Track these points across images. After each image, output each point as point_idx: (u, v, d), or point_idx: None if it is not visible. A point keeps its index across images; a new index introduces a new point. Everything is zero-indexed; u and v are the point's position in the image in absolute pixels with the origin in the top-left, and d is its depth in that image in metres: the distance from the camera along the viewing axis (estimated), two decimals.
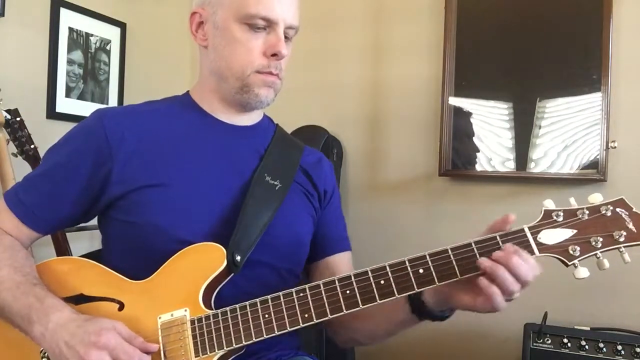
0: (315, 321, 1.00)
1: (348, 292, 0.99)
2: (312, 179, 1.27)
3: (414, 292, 0.98)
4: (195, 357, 1.01)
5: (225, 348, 1.01)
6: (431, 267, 0.98)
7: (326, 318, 1.00)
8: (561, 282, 1.92)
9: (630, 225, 0.95)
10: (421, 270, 0.98)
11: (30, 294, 1.03)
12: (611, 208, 0.96)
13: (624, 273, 1.88)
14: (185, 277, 1.05)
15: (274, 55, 1.13)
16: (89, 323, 0.97)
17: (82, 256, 1.25)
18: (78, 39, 2.33)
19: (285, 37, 1.16)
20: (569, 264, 0.95)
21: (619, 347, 1.73)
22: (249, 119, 1.24)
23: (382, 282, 0.98)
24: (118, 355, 0.94)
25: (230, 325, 1.01)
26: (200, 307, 1.03)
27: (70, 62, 2.31)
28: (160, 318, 1.04)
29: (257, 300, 1.02)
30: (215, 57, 1.17)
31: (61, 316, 0.99)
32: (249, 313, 1.02)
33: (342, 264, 1.28)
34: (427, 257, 0.98)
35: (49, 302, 1.01)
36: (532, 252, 0.96)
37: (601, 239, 0.95)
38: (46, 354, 1.04)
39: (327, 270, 1.27)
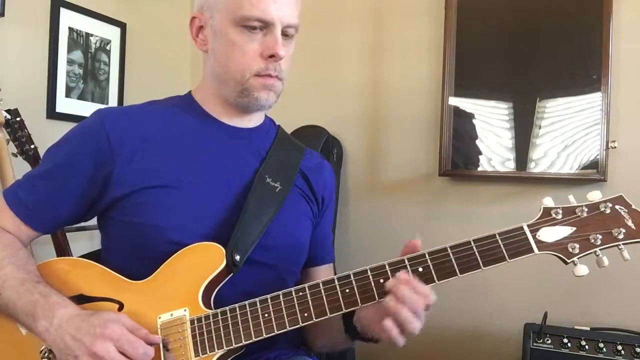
0: (315, 320, 1.00)
1: (347, 291, 0.99)
2: (310, 184, 1.27)
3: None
4: (195, 356, 1.01)
5: (224, 348, 1.01)
6: (430, 266, 0.98)
7: (325, 317, 1.00)
8: (561, 282, 1.93)
9: (630, 223, 0.95)
10: (420, 269, 0.98)
11: (34, 291, 1.03)
12: (610, 205, 0.96)
13: (624, 273, 1.88)
14: (184, 276, 1.05)
15: (271, 56, 1.12)
16: (94, 317, 0.98)
17: (82, 256, 1.25)
18: (78, 39, 2.34)
19: (286, 35, 1.15)
20: (568, 261, 0.95)
21: (619, 347, 1.74)
22: (251, 121, 1.24)
23: (382, 280, 0.98)
24: (123, 346, 0.94)
25: (230, 325, 1.01)
26: (199, 307, 1.03)
27: (70, 62, 2.31)
28: (159, 318, 1.04)
29: (257, 299, 1.02)
30: (215, 61, 1.17)
31: (66, 312, 0.99)
32: (248, 313, 1.02)
33: (323, 275, 1.29)
34: (427, 255, 0.98)
35: (54, 299, 1.02)
36: (531, 250, 0.96)
37: (600, 237, 0.95)
38: (46, 354, 1.04)
39: (308, 281, 1.28)
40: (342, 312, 0.99)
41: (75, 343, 0.95)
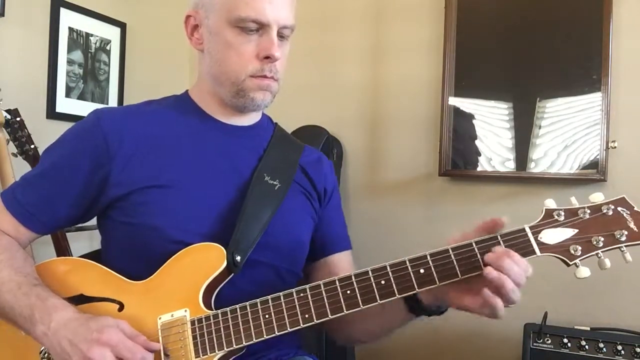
0: (316, 321, 1.00)
1: (349, 292, 0.99)
2: (311, 179, 1.27)
3: (414, 292, 0.98)
4: (196, 357, 1.01)
5: (225, 348, 1.01)
6: (432, 267, 0.97)
7: (326, 318, 1.00)
8: (561, 282, 1.93)
9: (632, 225, 0.94)
10: (422, 270, 0.98)
11: (32, 295, 1.03)
12: (612, 207, 0.96)
13: (624, 273, 1.88)
14: (185, 277, 1.05)
15: (267, 58, 1.12)
16: (92, 321, 0.97)
17: (82, 256, 1.25)
18: (78, 39, 2.33)
19: (281, 36, 1.15)
20: (570, 263, 0.95)
21: (619, 347, 1.73)
22: (248, 120, 1.24)
23: (383, 282, 0.98)
24: (120, 352, 0.94)
25: (231, 326, 1.01)
26: (200, 308, 1.03)
27: (70, 62, 2.31)
28: (160, 318, 1.04)
29: (258, 300, 1.02)
30: (210, 61, 1.17)
31: (64, 315, 0.99)
32: (249, 313, 1.02)
33: (341, 263, 1.28)
34: (428, 256, 0.98)
35: (52, 302, 1.01)
36: (533, 252, 0.96)
37: (602, 239, 0.94)
38: (46, 354, 1.04)
39: (326, 270, 1.26)
40: (343, 313, 0.99)
41: (72, 348, 0.95)
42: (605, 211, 0.96)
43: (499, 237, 0.97)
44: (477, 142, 2.15)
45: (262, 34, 1.12)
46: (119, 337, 0.95)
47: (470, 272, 0.97)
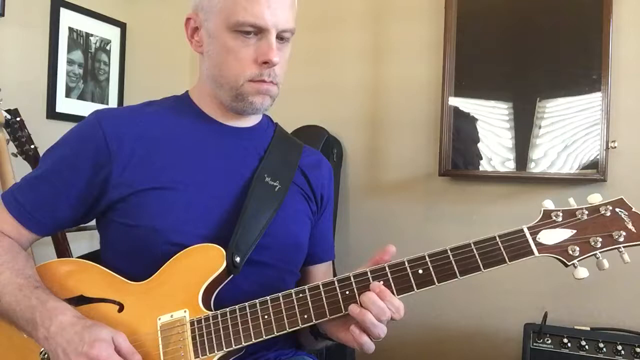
0: (315, 322, 1.00)
1: (347, 292, 1.00)
2: (309, 181, 1.27)
3: (413, 292, 0.99)
4: (195, 358, 1.01)
5: (224, 349, 1.01)
6: (430, 268, 0.98)
7: (325, 319, 1.00)
8: (561, 282, 1.93)
9: (630, 225, 0.95)
10: (420, 271, 0.98)
11: (32, 297, 1.02)
12: (610, 208, 0.97)
13: (623, 273, 1.88)
14: (184, 278, 1.05)
15: (265, 63, 1.11)
16: (87, 331, 0.97)
17: (82, 256, 1.25)
18: (78, 39, 2.34)
19: (281, 39, 1.14)
20: (569, 264, 0.96)
21: (619, 347, 1.73)
22: (248, 121, 1.24)
23: (381, 282, 0.99)
24: None
25: (230, 326, 1.02)
26: (199, 308, 1.03)
27: (70, 62, 2.31)
28: (159, 319, 1.04)
29: (257, 301, 1.02)
30: (210, 64, 1.16)
31: (63, 319, 0.99)
32: (248, 314, 1.02)
33: (321, 273, 1.31)
34: (427, 257, 0.99)
35: (52, 305, 1.01)
36: (531, 253, 0.96)
37: (600, 239, 0.95)
38: (46, 355, 1.05)
39: (307, 280, 1.29)
40: (342, 313, 0.99)
41: (64, 357, 0.96)
42: (603, 212, 0.97)
43: (497, 237, 0.97)
44: (477, 142, 2.15)
45: (261, 38, 1.11)
46: (107, 353, 0.94)
47: (468, 272, 0.97)
